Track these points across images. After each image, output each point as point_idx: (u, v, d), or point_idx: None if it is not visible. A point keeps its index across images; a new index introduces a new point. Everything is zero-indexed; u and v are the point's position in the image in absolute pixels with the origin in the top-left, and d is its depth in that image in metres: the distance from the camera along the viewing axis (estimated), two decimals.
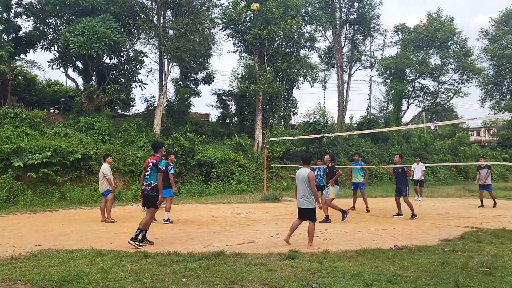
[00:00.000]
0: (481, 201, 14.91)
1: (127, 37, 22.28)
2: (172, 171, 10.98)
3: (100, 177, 11.59)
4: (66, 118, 21.49)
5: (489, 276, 5.43)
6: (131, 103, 28.14)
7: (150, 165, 7.98)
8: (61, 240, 8.34)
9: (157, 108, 23.35)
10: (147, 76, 25.56)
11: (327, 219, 10.99)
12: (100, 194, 12.81)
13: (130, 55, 23.94)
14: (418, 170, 17.24)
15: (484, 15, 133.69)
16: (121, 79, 24.60)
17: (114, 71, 24.29)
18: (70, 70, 24.02)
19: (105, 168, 11.51)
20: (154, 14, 23.95)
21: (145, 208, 8.36)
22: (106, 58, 22.71)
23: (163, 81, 23.70)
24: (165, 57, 23.50)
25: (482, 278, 5.34)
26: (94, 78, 23.31)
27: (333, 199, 11.35)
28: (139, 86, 24.89)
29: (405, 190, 11.80)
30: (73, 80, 24.17)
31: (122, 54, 23.58)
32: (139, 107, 36.21)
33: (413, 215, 11.60)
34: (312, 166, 16.95)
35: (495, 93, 41.29)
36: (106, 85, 22.62)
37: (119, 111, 27.41)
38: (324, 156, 24.55)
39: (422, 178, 17.59)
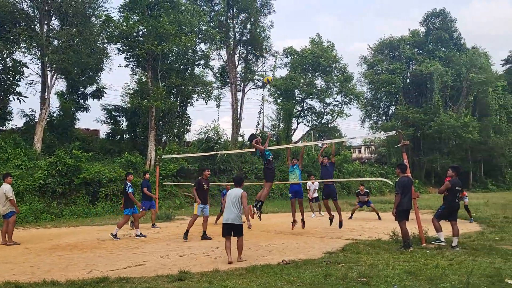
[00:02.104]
0: (352, 213, 16.60)
1: (4, 45, 20.34)
2: (130, 190, 11.87)
3: (1, 198, 10.96)
4: None
5: (366, 286, 5.85)
6: (8, 117, 25.52)
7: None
8: None
9: (38, 123, 21.53)
10: (27, 88, 23.50)
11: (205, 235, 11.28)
12: None
13: (8, 65, 21.82)
14: (312, 188, 18.02)
15: (361, 42, 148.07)
16: None
17: None
18: None
19: (7, 189, 11.06)
20: (36, 22, 22.23)
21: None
22: None
23: (46, 94, 21.97)
24: (49, 68, 21.86)
25: None
26: None
27: (197, 216, 11.34)
28: (18, 99, 22.78)
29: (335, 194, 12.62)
30: None
31: None
32: (17, 122, 32.82)
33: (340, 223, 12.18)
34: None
35: (373, 114, 45.76)
36: None
37: None
38: (218, 173, 24.89)
39: (316, 195, 18.23)
